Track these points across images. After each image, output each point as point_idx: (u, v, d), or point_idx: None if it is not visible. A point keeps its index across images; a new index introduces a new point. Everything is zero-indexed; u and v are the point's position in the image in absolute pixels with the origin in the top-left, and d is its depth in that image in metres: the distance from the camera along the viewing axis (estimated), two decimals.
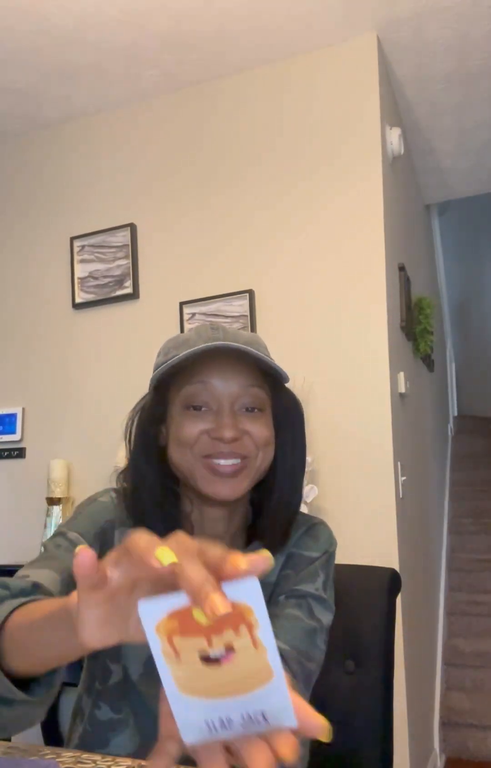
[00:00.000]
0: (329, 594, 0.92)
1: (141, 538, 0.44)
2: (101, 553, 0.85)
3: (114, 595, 0.46)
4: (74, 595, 0.49)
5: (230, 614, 0.41)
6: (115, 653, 0.89)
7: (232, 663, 0.42)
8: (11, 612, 0.62)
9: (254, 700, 0.43)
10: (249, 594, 0.42)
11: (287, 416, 0.94)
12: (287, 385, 0.95)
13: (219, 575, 0.42)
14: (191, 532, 0.90)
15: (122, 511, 0.91)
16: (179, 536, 0.46)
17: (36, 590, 0.72)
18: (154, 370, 0.91)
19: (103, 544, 0.89)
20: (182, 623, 0.42)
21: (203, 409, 0.87)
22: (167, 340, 0.94)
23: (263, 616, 0.42)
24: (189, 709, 0.44)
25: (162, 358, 0.91)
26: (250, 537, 0.94)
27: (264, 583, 0.90)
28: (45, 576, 0.78)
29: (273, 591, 0.91)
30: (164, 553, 0.42)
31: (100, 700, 0.89)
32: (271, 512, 0.92)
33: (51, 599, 0.62)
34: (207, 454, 0.86)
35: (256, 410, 0.88)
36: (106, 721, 0.88)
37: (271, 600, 0.90)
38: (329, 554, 0.96)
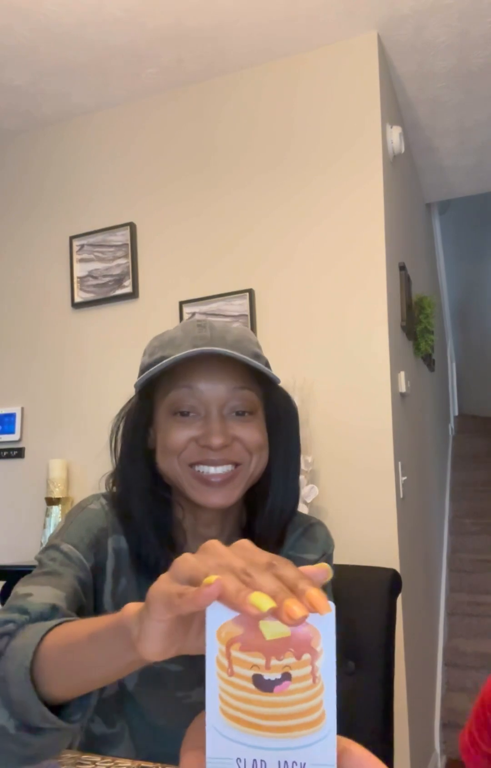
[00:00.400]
0: (329, 596, 0.90)
1: (229, 582, 0.40)
2: (96, 563, 0.84)
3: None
4: (128, 609, 0.48)
5: (297, 637, 0.39)
6: None
7: (285, 693, 0.40)
8: (43, 636, 0.61)
9: (298, 748, 0.39)
10: (322, 621, 0.40)
11: (280, 417, 0.89)
12: (279, 383, 0.91)
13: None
14: (183, 537, 0.88)
15: (114, 518, 0.88)
16: (246, 547, 0.45)
17: (55, 612, 0.70)
18: (139, 371, 0.88)
19: (97, 553, 0.86)
20: (246, 633, 0.40)
21: (190, 414, 0.83)
22: (153, 338, 0.91)
23: (331, 647, 0.39)
24: (225, 739, 0.40)
25: (147, 358, 0.87)
26: (246, 536, 0.91)
27: None
28: (51, 595, 0.74)
29: None
30: (260, 599, 0.39)
31: (95, 714, 0.86)
32: (266, 515, 0.88)
33: (86, 619, 0.59)
34: (195, 461, 0.82)
35: (246, 413, 0.84)
36: (101, 736, 0.86)
37: None
38: (327, 556, 0.94)
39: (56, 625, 0.62)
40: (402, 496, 2.31)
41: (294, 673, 0.40)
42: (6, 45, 2.38)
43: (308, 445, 2.26)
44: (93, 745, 0.86)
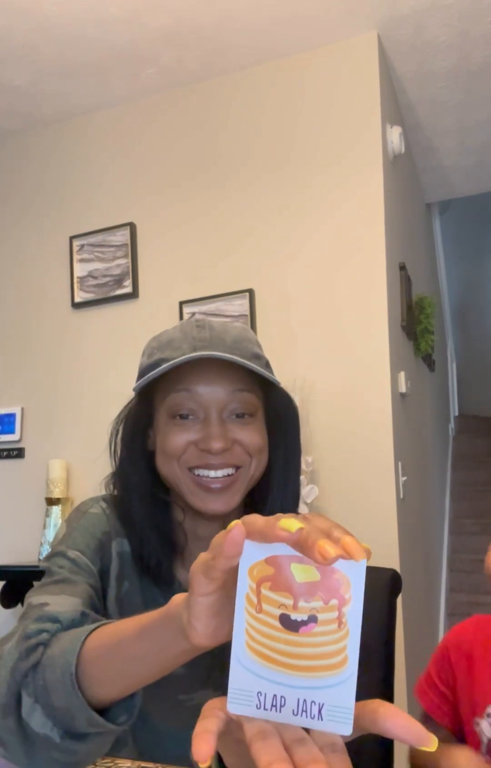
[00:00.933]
0: None
1: (255, 519, 0.41)
2: (102, 567, 0.84)
3: (225, 584, 0.44)
4: (176, 598, 0.49)
5: (327, 582, 0.40)
6: None
7: (310, 635, 0.40)
8: (84, 641, 0.60)
9: (317, 687, 0.40)
10: (353, 569, 0.40)
11: (280, 418, 0.88)
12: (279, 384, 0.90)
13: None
14: (184, 539, 0.87)
15: (115, 521, 0.87)
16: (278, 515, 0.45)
17: (86, 619, 0.69)
18: (139, 372, 0.87)
19: (102, 558, 0.85)
20: (277, 573, 0.41)
21: (189, 417, 0.81)
22: (151, 338, 0.89)
23: (359, 596, 0.40)
24: (248, 672, 0.41)
25: (146, 359, 0.86)
26: None
27: None
28: (70, 603, 0.73)
29: None
30: (289, 522, 0.39)
31: None
32: (267, 514, 0.87)
33: (129, 618, 0.58)
34: (194, 465, 0.81)
35: (246, 416, 0.82)
36: None
37: None
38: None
39: (95, 628, 0.61)
40: (402, 496, 2.31)
41: (321, 616, 0.40)
42: (6, 45, 2.38)
43: (308, 445, 2.25)
44: None
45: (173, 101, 2.68)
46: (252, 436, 0.82)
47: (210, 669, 0.82)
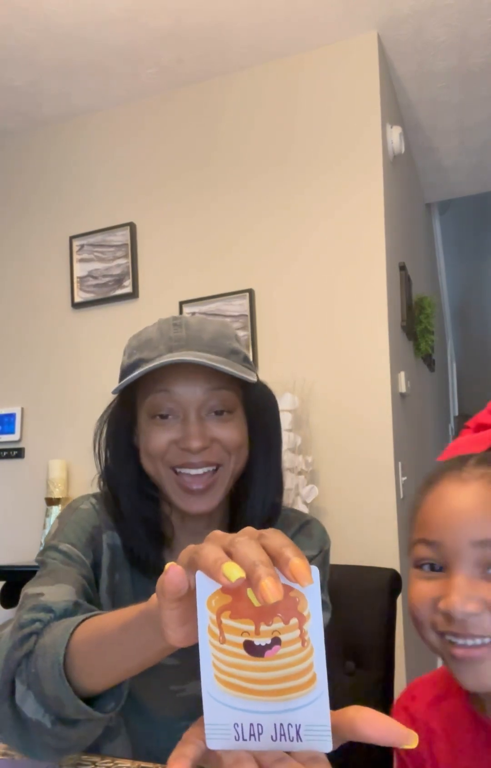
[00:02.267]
0: (326, 594, 0.91)
1: (209, 553, 0.42)
2: (94, 559, 0.85)
3: (188, 597, 0.45)
4: (154, 598, 0.50)
5: (284, 602, 0.40)
6: None
7: (275, 657, 0.41)
8: (73, 632, 0.62)
9: (291, 709, 0.40)
10: (307, 585, 0.40)
11: (259, 411, 0.89)
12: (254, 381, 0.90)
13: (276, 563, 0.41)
14: (171, 532, 0.89)
15: (106, 515, 0.90)
16: (246, 529, 0.46)
17: (79, 608, 0.71)
18: (120, 372, 0.89)
19: (94, 550, 0.87)
20: (235, 601, 0.41)
21: (169, 417, 0.83)
22: (132, 336, 0.90)
23: (317, 609, 0.40)
24: (221, 706, 0.41)
25: (126, 359, 0.87)
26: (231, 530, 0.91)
27: None
28: (64, 592, 0.75)
29: None
30: (231, 569, 0.40)
31: None
32: (249, 508, 0.88)
33: (114, 611, 0.60)
34: (176, 464, 0.83)
35: (225, 413, 0.83)
36: None
37: None
38: (324, 552, 0.94)
39: (84, 620, 0.63)
40: (402, 496, 2.31)
41: (283, 637, 0.40)
42: (6, 45, 2.38)
43: (308, 445, 2.26)
44: None
45: (173, 101, 2.68)
46: (231, 433, 0.83)
47: None
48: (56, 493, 2.52)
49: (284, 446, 2.18)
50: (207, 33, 2.35)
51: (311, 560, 0.90)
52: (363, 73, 2.39)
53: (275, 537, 0.43)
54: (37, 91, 2.65)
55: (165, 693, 0.84)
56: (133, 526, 0.86)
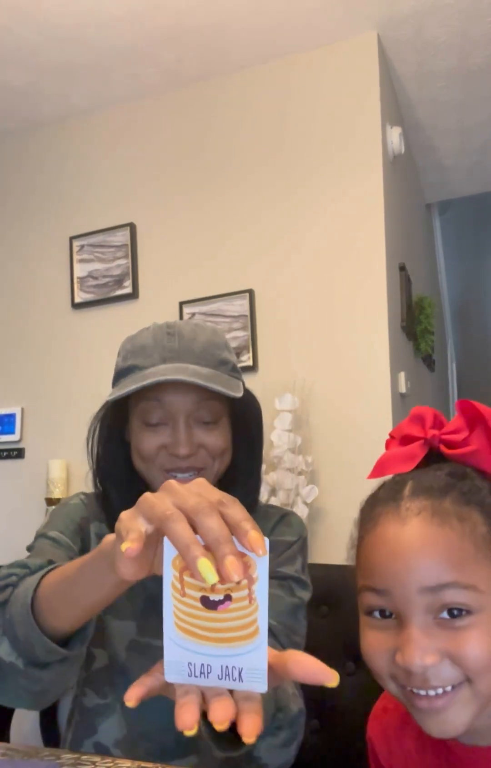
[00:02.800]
0: (306, 575, 0.97)
1: (182, 534, 0.47)
2: (82, 547, 0.91)
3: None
4: (108, 538, 0.56)
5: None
6: (99, 639, 0.92)
7: (226, 611, 0.47)
8: (41, 579, 0.68)
9: (236, 654, 0.48)
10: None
11: (244, 420, 0.96)
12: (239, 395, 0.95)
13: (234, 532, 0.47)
14: None
15: (96, 508, 0.97)
16: (202, 485, 0.52)
17: (52, 565, 0.76)
18: (114, 372, 0.94)
19: (83, 539, 0.94)
20: None
21: (159, 424, 0.89)
22: (126, 338, 0.96)
23: (265, 573, 0.47)
24: (178, 647, 0.49)
25: (121, 361, 0.93)
26: None
27: None
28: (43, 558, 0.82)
29: None
30: (207, 572, 0.45)
31: (86, 687, 0.92)
32: None
33: (75, 560, 0.66)
34: (166, 468, 0.89)
35: (211, 422, 0.90)
36: (93, 708, 0.91)
37: None
38: (303, 539, 1.00)
39: (52, 569, 0.70)
40: None
41: (234, 594, 0.47)
42: (6, 45, 2.38)
43: (308, 445, 2.26)
44: (88, 717, 0.91)
45: (173, 101, 2.68)
46: (216, 440, 0.90)
47: None
48: (56, 493, 2.52)
49: (285, 446, 2.18)
50: (207, 33, 2.35)
51: (291, 545, 0.97)
52: (363, 73, 2.39)
53: (234, 508, 0.48)
54: (36, 91, 2.65)
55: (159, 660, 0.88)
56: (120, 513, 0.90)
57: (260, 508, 1.02)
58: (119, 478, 0.94)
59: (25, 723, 2.60)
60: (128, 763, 0.73)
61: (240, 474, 0.96)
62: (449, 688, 0.57)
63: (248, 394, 0.96)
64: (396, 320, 2.45)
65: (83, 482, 2.78)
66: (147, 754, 0.87)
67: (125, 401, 0.92)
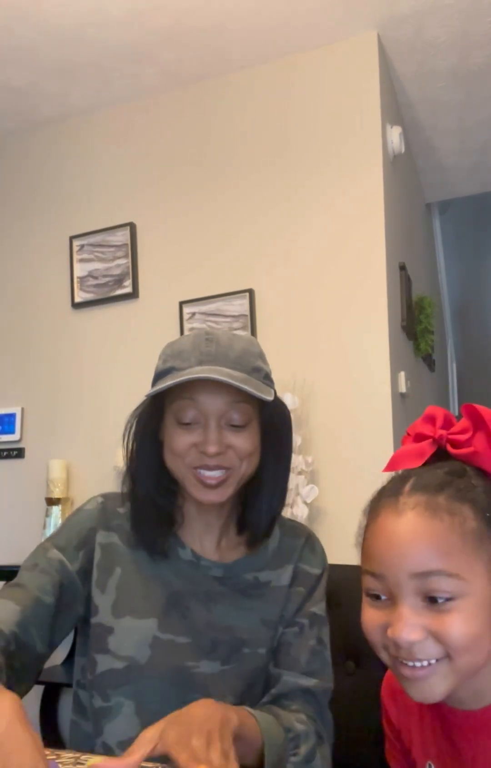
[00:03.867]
0: (323, 608, 1.02)
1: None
2: (86, 561, 0.96)
3: None
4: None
5: None
6: (100, 645, 0.95)
7: None
8: None
9: None
10: None
11: (274, 423, 0.99)
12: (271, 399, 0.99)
13: None
14: (182, 521, 1.00)
15: (106, 514, 1.01)
16: (199, 717, 0.70)
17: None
18: (154, 374, 0.97)
19: (85, 553, 0.98)
20: None
21: (192, 424, 0.93)
22: (167, 344, 0.99)
23: None
24: None
25: (161, 364, 0.97)
26: (239, 526, 1.02)
27: (279, 587, 0.99)
28: (6, 611, 0.87)
29: (286, 601, 0.99)
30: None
31: (93, 690, 0.95)
32: (257, 509, 0.99)
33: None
34: (196, 465, 0.93)
35: (241, 425, 0.94)
36: (99, 709, 0.94)
37: (285, 609, 0.99)
38: (326, 570, 1.05)
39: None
40: None
41: None
42: (6, 45, 2.38)
43: (308, 445, 2.26)
44: (95, 718, 0.94)
45: (173, 101, 2.68)
46: (244, 443, 0.93)
47: (215, 642, 0.94)
48: (56, 493, 2.52)
49: None
50: (207, 33, 2.35)
51: (318, 579, 1.02)
52: (363, 73, 2.38)
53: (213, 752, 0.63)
54: (36, 91, 2.65)
55: (180, 668, 0.93)
56: (144, 509, 0.97)
57: (286, 523, 1.06)
58: (148, 472, 0.98)
59: None
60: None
61: (266, 479, 0.99)
62: (433, 661, 0.65)
63: (278, 401, 1.00)
64: (396, 320, 2.45)
65: (84, 482, 2.78)
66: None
67: (161, 401, 0.96)
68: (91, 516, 1.00)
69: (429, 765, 0.80)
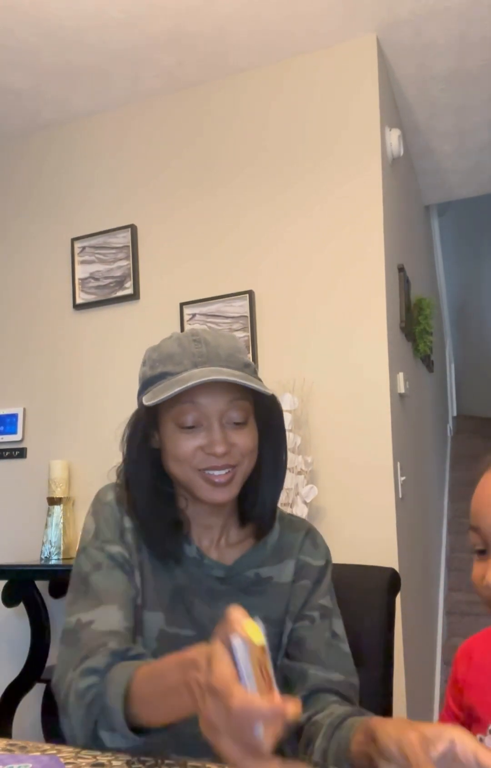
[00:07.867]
0: (334, 600, 1.03)
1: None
2: (125, 544, 0.97)
3: None
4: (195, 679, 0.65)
5: None
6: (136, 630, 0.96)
7: None
8: (125, 694, 0.74)
9: None
10: None
11: (269, 418, 1.01)
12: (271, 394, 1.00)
13: None
14: (187, 523, 1.00)
15: (121, 504, 1.01)
16: None
17: (116, 658, 0.82)
18: (141, 381, 0.97)
19: (123, 538, 0.98)
20: None
21: (194, 427, 0.93)
22: (149, 349, 1.00)
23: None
24: None
25: (148, 370, 0.97)
26: (242, 521, 1.03)
27: (280, 583, 1.00)
28: (114, 620, 0.88)
29: (290, 596, 1.01)
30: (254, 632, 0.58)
31: None
32: (259, 502, 1.01)
33: (160, 666, 0.73)
34: (203, 467, 0.94)
35: (241, 423, 0.95)
36: None
37: (290, 604, 1.00)
38: (329, 562, 1.06)
39: (129, 685, 0.75)
40: (400, 495, 2.32)
41: None
42: (7, 48, 2.39)
43: (308, 445, 2.27)
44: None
45: (174, 104, 2.69)
46: (246, 439, 0.95)
47: None
48: (58, 493, 2.53)
49: None
50: (207, 37, 2.37)
51: (323, 572, 1.03)
52: (362, 76, 2.40)
53: None
54: (37, 94, 2.67)
55: None
56: (150, 520, 0.97)
57: (286, 517, 1.07)
58: (145, 481, 0.98)
59: (27, 719, 2.61)
60: (126, 756, 0.74)
61: (267, 471, 1.01)
62: None
63: (271, 396, 1.01)
64: (395, 321, 2.47)
65: (85, 482, 2.79)
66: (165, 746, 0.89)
67: (155, 408, 0.95)
68: (115, 508, 1.01)
69: None
